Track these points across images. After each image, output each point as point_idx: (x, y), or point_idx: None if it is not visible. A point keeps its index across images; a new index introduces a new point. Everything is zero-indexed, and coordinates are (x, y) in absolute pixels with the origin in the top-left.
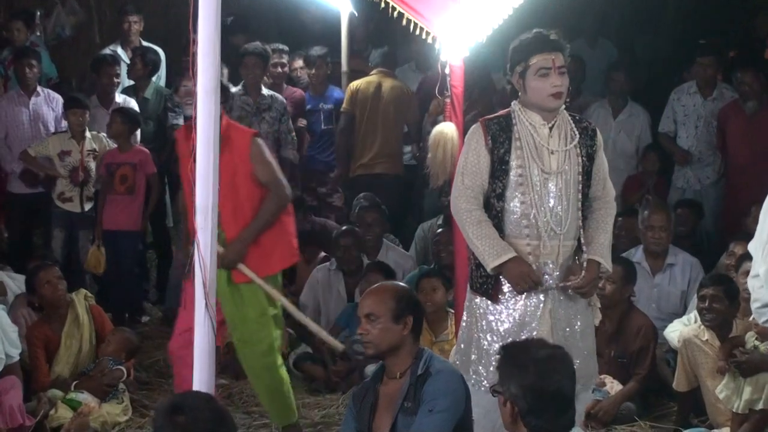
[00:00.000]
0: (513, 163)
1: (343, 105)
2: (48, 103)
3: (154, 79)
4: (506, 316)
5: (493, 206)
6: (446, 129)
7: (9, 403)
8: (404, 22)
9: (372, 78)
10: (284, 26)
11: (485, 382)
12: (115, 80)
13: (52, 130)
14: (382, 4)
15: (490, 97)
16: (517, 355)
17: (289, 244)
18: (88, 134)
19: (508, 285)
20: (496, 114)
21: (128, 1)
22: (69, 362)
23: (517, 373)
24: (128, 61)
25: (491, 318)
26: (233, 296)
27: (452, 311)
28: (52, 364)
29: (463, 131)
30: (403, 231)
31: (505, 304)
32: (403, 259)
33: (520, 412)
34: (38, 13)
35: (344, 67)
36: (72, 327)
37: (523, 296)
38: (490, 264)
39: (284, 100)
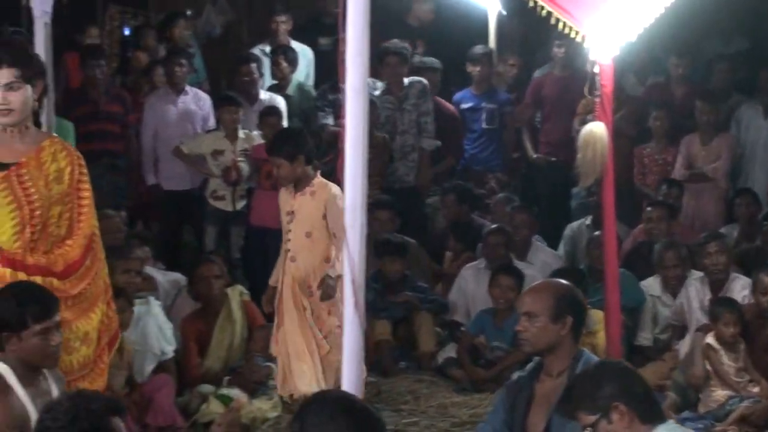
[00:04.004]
0: None
1: None
2: (196, 102)
3: (294, 75)
4: None
5: None
6: (596, 128)
7: (161, 402)
8: (553, 20)
9: None
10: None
11: None
12: (253, 77)
13: (199, 129)
14: (531, 3)
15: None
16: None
17: None
18: (241, 133)
19: None
20: None
21: (277, 1)
22: (220, 357)
23: (618, 380)
24: None
25: None
26: None
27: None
28: (203, 358)
29: (613, 131)
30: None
31: None
32: (553, 260)
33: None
34: (188, 13)
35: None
36: (225, 322)
37: None
38: None
39: (422, 80)
